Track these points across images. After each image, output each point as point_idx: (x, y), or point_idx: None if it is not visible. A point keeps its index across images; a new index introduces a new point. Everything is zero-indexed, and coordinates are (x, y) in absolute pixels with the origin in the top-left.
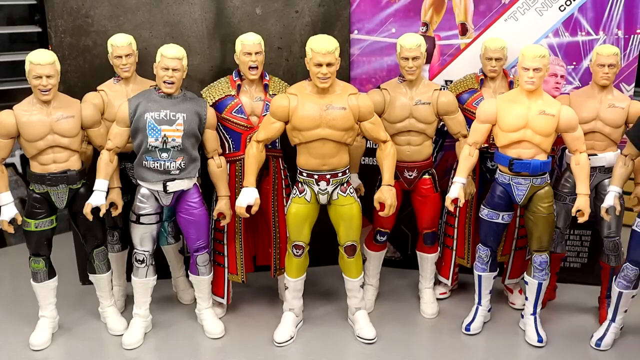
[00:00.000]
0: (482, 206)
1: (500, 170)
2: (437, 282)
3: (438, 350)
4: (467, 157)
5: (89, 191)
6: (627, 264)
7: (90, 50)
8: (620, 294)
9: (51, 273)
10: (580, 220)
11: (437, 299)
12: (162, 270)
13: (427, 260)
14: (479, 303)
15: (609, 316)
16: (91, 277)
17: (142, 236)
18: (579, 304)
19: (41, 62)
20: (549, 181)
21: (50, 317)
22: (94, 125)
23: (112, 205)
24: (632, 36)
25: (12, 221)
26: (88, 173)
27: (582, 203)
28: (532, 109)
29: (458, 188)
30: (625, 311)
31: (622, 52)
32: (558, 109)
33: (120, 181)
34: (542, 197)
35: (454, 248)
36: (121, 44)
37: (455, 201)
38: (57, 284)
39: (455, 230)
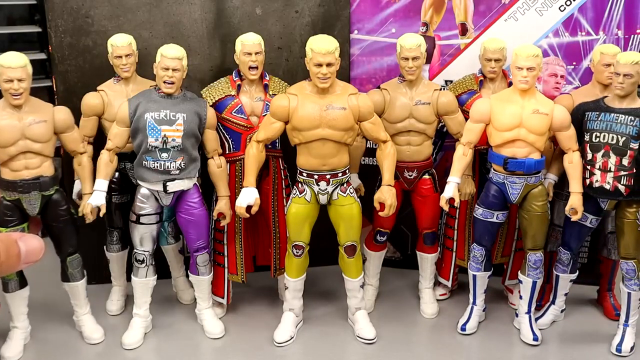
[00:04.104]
0: (476, 205)
1: (494, 170)
2: (437, 283)
3: (438, 350)
4: (460, 156)
5: (63, 197)
6: (560, 248)
7: (90, 50)
8: (557, 277)
9: (22, 283)
10: (574, 218)
11: (437, 300)
12: (162, 270)
13: (427, 261)
14: (474, 303)
15: (550, 298)
16: (65, 285)
17: (142, 236)
18: (575, 303)
19: (12, 65)
20: (543, 180)
21: (22, 327)
22: (67, 130)
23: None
24: (632, 36)
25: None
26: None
27: (576, 201)
28: (526, 108)
29: (452, 187)
30: (566, 294)
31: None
32: (551, 108)
33: (92, 187)
34: (536, 196)
35: (454, 249)
36: (121, 44)
37: (451, 201)
38: (28, 293)
39: (455, 232)
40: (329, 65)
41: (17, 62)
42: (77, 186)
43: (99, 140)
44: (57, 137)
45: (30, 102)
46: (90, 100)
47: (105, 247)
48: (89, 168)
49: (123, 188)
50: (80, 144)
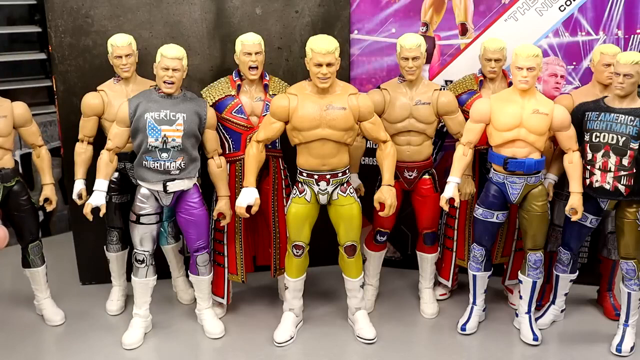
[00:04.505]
0: (476, 205)
1: (494, 170)
2: (437, 283)
3: (438, 350)
4: (461, 156)
5: (23, 188)
6: (560, 248)
7: (90, 50)
8: (557, 277)
9: None
10: (574, 218)
11: (437, 300)
12: (162, 270)
13: (427, 261)
14: (474, 303)
15: (550, 298)
16: (26, 271)
17: (142, 236)
18: (575, 303)
19: None
20: (543, 180)
21: None
22: (26, 124)
23: (46, 200)
24: (632, 36)
25: None
26: (88, 173)
27: (576, 201)
28: (526, 108)
29: (452, 187)
30: (566, 294)
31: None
32: (551, 108)
33: (52, 177)
34: (536, 196)
35: (454, 249)
36: (121, 44)
37: (451, 201)
38: None
39: (455, 232)
40: (329, 65)
41: None
42: (77, 186)
43: (99, 140)
44: (16, 132)
45: None
46: (90, 100)
47: (105, 247)
48: (48, 160)
49: (123, 188)
50: (39, 137)
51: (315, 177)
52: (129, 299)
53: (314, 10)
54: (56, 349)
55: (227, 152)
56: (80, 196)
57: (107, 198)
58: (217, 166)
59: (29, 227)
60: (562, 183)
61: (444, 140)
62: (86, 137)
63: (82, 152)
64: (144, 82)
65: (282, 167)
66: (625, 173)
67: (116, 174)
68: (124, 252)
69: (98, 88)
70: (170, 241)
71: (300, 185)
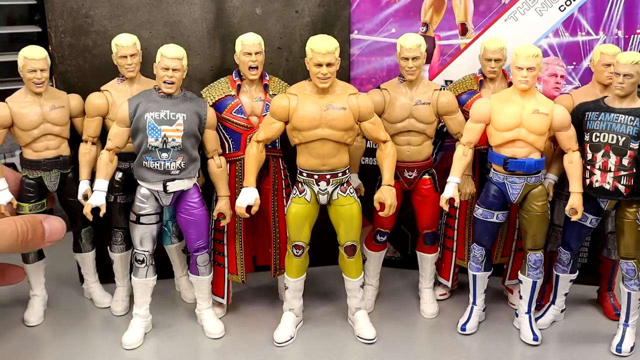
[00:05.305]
0: (476, 205)
1: (494, 170)
2: (437, 283)
3: (438, 350)
4: (460, 156)
5: (77, 176)
6: (560, 248)
7: (90, 50)
8: (557, 277)
9: (40, 255)
10: (574, 218)
11: (437, 300)
12: (163, 270)
13: (427, 261)
14: (474, 303)
15: (550, 298)
16: (76, 256)
17: (142, 236)
18: (575, 303)
19: (35, 57)
20: (543, 180)
21: (40, 295)
22: (80, 115)
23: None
24: (632, 36)
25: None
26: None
27: (576, 201)
28: (526, 108)
29: (452, 187)
30: (566, 294)
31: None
32: (551, 108)
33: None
34: (536, 196)
35: (454, 249)
36: (126, 44)
37: (451, 201)
38: (45, 265)
39: (455, 232)
40: (329, 65)
41: (39, 55)
42: (82, 187)
43: (102, 140)
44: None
45: (48, 90)
46: (94, 101)
47: (109, 247)
48: (115, 163)
49: (127, 188)
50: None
51: (315, 177)
52: (132, 299)
53: (314, 10)
54: (55, 349)
55: (227, 152)
56: (85, 197)
57: (110, 198)
58: (217, 166)
59: (81, 212)
60: (562, 183)
61: (444, 140)
62: (90, 137)
63: (86, 152)
64: (148, 82)
65: (282, 167)
66: (625, 173)
67: (120, 174)
68: (127, 252)
69: (102, 88)
70: (174, 240)
71: (300, 185)
